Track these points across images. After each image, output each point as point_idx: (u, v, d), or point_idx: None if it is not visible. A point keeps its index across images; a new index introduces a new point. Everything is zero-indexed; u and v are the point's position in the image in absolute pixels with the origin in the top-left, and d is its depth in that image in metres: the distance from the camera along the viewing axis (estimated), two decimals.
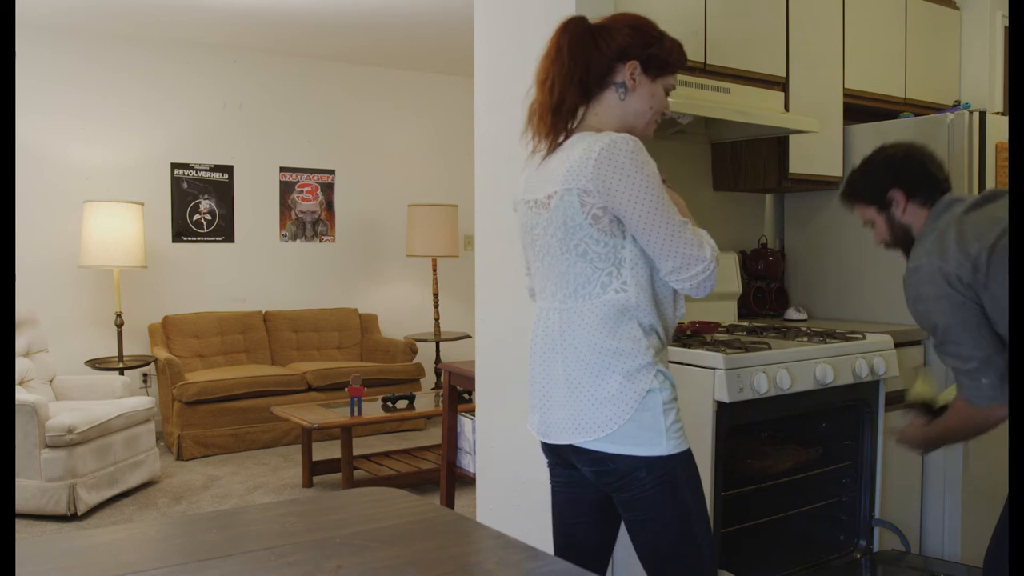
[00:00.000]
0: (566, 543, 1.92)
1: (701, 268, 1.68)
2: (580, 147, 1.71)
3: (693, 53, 2.90)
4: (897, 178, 2.20)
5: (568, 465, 1.83)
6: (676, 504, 1.71)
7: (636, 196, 1.65)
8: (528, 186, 1.85)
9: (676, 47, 1.83)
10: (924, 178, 2.19)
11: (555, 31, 1.79)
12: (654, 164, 1.70)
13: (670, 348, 2.55)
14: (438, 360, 6.61)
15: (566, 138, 1.78)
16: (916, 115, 3.57)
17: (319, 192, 6.80)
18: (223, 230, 6.42)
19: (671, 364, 2.52)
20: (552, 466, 1.90)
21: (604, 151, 1.66)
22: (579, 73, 1.76)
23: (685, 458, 1.72)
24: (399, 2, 5.27)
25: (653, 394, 1.69)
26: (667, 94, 1.85)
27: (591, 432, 1.70)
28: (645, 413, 1.68)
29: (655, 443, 1.68)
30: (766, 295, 3.62)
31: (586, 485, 1.83)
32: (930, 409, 2.25)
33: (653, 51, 1.79)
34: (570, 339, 1.74)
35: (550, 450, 1.86)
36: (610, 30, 1.78)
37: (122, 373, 5.38)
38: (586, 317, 1.73)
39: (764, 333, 2.93)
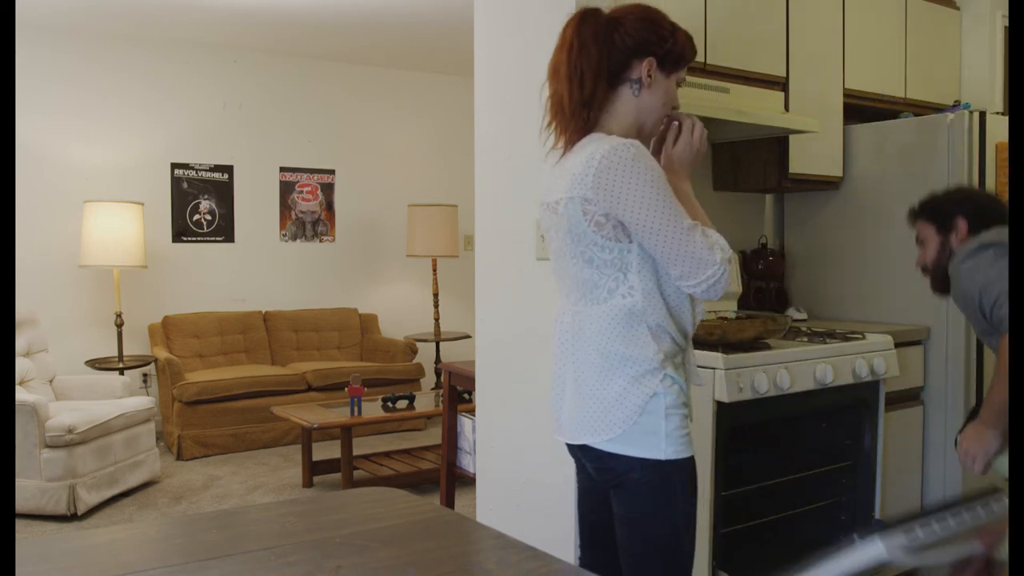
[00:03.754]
0: (587, 538, 1.93)
1: (711, 272, 1.65)
2: (584, 153, 1.68)
3: None
4: (971, 209, 2.29)
5: (581, 461, 1.85)
6: (665, 508, 1.70)
7: (639, 203, 1.63)
8: (544, 188, 1.83)
9: (689, 40, 1.79)
10: (993, 220, 2.27)
11: (571, 23, 1.74)
12: (659, 168, 1.67)
13: None
14: (438, 360, 6.61)
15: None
16: (916, 115, 3.57)
17: (319, 192, 6.80)
18: (223, 230, 6.42)
19: None
20: (575, 461, 1.90)
21: (604, 159, 1.64)
22: (606, 67, 1.71)
23: (683, 465, 1.70)
24: (399, 2, 5.27)
25: (657, 398, 1.68)
26: (678, 87, 1.82)
27: (596, 434, 1.71)
28: (647, 417, 1.67)
29: (653, 447, 1.67)
30: (766, 295, 3.62)
31: (596, 480, 1.83)
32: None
33: (669, 46, 1.74)
34: (581, 342, 1.74)
35: (568, 447, 1.87)
36: (624, 24, 1.72)
37: (122, 373, 5.38)
38: (596, 321, 1.72)
39: None
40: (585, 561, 1.91)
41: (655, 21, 1.75)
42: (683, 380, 1.73)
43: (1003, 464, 2.16)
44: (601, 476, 1.77)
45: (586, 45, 1.70)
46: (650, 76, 1.73)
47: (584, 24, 1.72)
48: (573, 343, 1.76)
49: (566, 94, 1.71)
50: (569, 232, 1.71)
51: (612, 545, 1.82)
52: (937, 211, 2.35)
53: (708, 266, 1.64)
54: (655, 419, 1.67)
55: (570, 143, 1.74)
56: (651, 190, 1.63)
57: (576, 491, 1.94)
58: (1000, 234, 2.17)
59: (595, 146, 1.67)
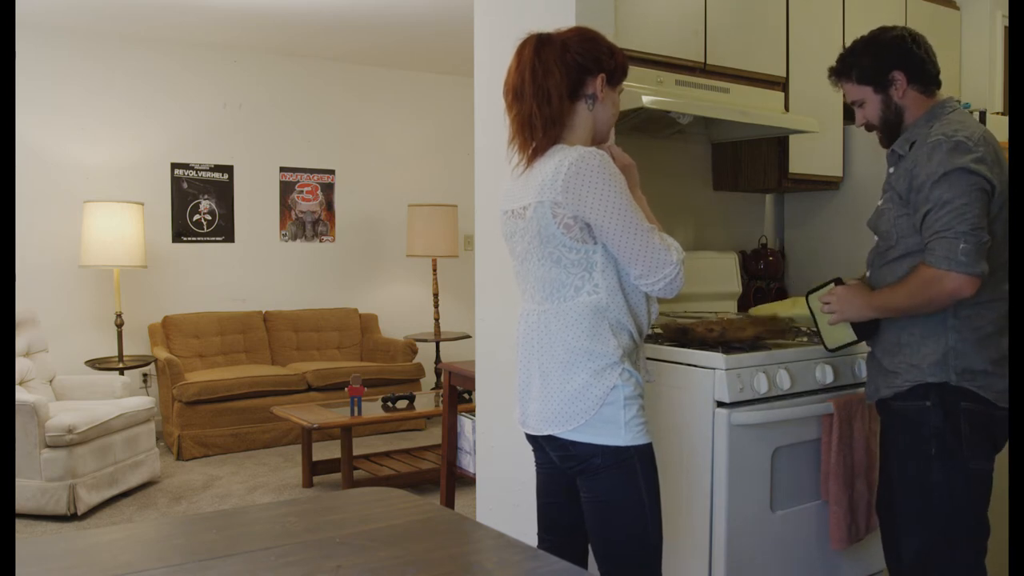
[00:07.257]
0: (545, 521, 2.08)
1: (668, 271, 1.80)
2: (552, 162, 1.82)
3: (693, 53, 2.90)
4: (903, 59, 2.23)
5: (543, 450, 1.98)
6: (629, 490, 1.83)
7: (605, 206, 1.77)
8: (507, 196, 1.97)
9: (625, 56, 1.96)
10: (927, 64, 2.25)
11: (529, 47, 1.88)
12: (621, 176, 1.82)
13: (670, 349, 2.55)
14: (438, 360, 6.61)
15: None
16: None
17: (319, 192, 6.80)
18: (223, 230, 6.42)
19: (669, 364, 2.52)
20: (533, 451, 2.04)
21: (573, 165, 1.78)
22: (566, 85, 1.86)
23: (643, 451, 1.84)
24: (399, 2, 5.27)
25: (616, 390, 1.81)
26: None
27: (561, 424, 1.84)
28: (608, 407, 1.81)
29: (613, 434, 1.81)
30: (766, 295, 3.62)
31: (558, 468, 1.95)
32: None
33: (613, 63, 1.91)
34: (547, 338, 1.87)
35: (529, 437, 2.01)
36: (571, 45, 1.88)
37: (122, 373, 5.38)
38: (562, 318, 1.85)
39: None
40: (544, 543, 2.06)
41: (596, 41, 1.91)
42: (639, 374, 1.87)
43: (846, 331, 2.32)
44: (565, 464, 1.90)
45: (549, 68, 1.85)
46: (602, 91, 1.90)
47: (544, 48, 1.87)
48: (540, 339, 1.88)
49: (536, 112, 1.85)
50: (538, 235, 1.84)
51: (567, 530, 2.02)
52: (869, 72, 2.25)
53: (665, 265, 1.80)
54: (615, 409, 1.81)
55: (535, 156, 1.87)
56: (615, 195, 1.77)
57: (536, 479, 2.07)
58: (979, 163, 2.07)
59: (563, 155, 1.81)
